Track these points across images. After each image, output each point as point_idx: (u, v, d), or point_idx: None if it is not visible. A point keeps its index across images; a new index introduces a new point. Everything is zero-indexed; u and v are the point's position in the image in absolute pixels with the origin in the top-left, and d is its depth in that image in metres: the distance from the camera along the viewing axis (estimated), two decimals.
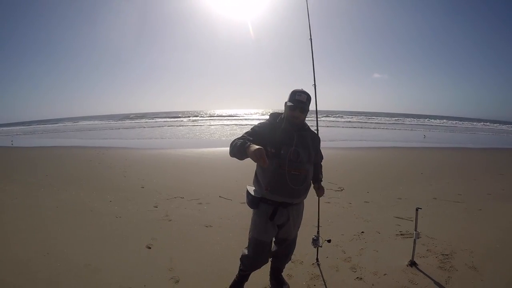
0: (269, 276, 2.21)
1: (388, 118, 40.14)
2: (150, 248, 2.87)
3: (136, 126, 27.03)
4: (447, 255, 2.68)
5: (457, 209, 4.08)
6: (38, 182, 5.42)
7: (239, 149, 1.64)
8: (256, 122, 2.02)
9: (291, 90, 1.85)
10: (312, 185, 1.98)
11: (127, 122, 35.79)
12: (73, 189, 4.96)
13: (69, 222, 3.47)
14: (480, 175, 6.33)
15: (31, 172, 6.41)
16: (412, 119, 40.95)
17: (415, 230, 2.48)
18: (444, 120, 40.94)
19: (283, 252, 2.07)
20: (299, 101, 1.81)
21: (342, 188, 5.07)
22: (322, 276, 2.39)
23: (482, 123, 38.35)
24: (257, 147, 1.52)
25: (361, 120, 35.21)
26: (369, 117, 42.52)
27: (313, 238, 2.39)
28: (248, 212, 2.02)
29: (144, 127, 25.20)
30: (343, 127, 24.32)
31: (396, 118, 40.64)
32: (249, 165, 1.79)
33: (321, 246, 2.44)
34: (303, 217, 2.02)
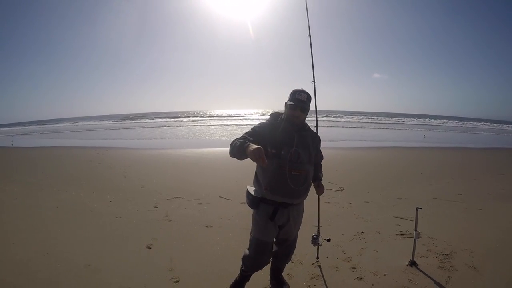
0: (269, 276, 2.21)
1: (388, 118, 40.13)
2: (150, 248, 2.87)
3: (136, 126, 27.04)
4: (447, 255, 2.68)
5: (457, 209, 4.08)
6: (38, 183, 5.42)
7: (238, 149, 1.64)
8: (256, 122, 2.03)
9: (291, 90, 1.86)
10: (312, 183, 1.98)
11: (127, 122, 35.82)
12: (73, 189, 4.96)
13: (69, 223, 3.47)
14: (480, 175, 6.33)
15: (31, 173, 6.41)
16: (412, 119, 40.93)
17: (415, 230, 2.48)
18: (444, 120, 40.94)
19: (284, 252, 2.07)
20: (300, 100, 1.82)
21: (342, 188, 5.07)
22: (323, 276, 2.39)
23: (482, 123, 38.33)
24: (256, 146, 1.53)
25: (361, 120, 35.21)
26: (369, 117, 42.52)
27: (312, 237, 2.39)
28: (248, 212, 2.02)
29: (144, 127, 25.21)
30: (343, 127, 24.32)
31: (396, 118, 40.62)
32: (249, 165, 1.79)
33: (320, 245, 2.44)
34: (303, 217, 2.02)
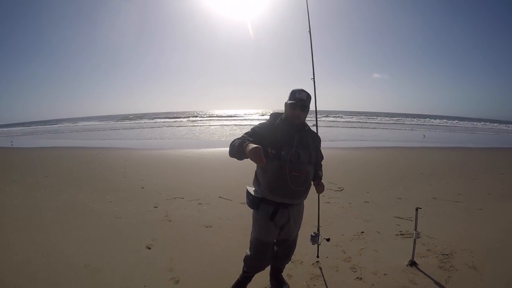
0: (269, 276, 2.21)
1: (388, 118, 40.12)
2: (150, 248, 2.87)
3: (136, 127, 27.05)
4: (447, 255, 2.68)
5: (457, 208, 4.08)
6: (38, 183, 5.42)
7: (237, 149, 1.64)
8: (256, 123, 2.02)
9: (291, 90, 1.86)
10: (312, 182, 1.98)
11: (127, 123, 35.83)
12: (73, 189, 4.96)
13: (69, 223, 3.47)
14: (480, 174, 6.33)
15: (31, 173, 6.41)
16: (412, 119, 40.92)
17: (415, 230, 2.48)
18: (444, 120, 40.92)
19: (284, 252, 2.07)
20: (300, 99, 1.82)
21: (342, 188, 5.07)
22: (322, 276, 2.39)
23: (482, 123, 38.32)
24: (255, 146, 1.53)
25: (361, 120, 35.22)
26: (369, 117, 42.52)
27: (311, 235, 2.39)
28: (248, 212, 2.02)
29: (144, 128, 25.21)
30: (343, 127, 24.33)
31: (396, 118, 40.63)
32: (249, 165, 1.79)
33: (319, 244, 2.43)
34: (303, 217, 2.02)
